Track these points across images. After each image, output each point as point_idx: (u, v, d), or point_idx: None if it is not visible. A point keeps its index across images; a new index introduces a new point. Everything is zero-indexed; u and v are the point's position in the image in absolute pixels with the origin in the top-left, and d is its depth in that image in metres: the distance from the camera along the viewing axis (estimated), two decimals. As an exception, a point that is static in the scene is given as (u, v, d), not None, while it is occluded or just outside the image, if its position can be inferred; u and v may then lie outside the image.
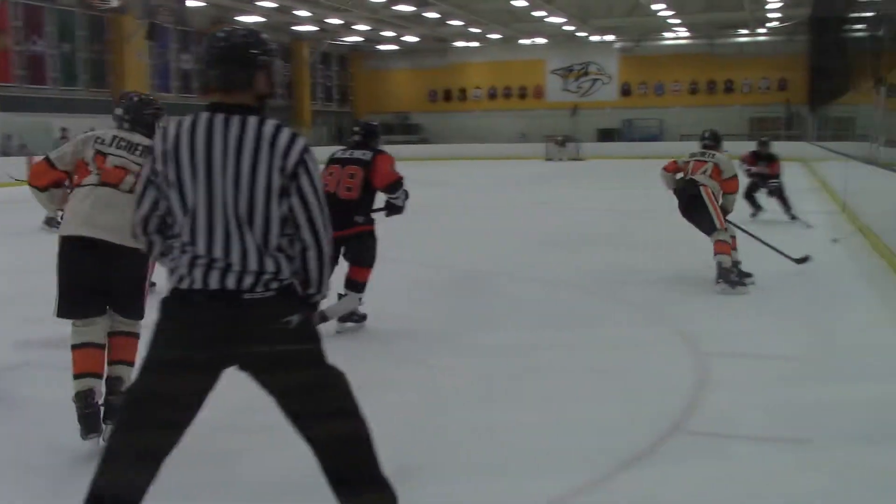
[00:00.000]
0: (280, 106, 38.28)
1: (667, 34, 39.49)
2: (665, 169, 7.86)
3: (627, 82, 41.79)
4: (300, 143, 2.45)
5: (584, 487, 3.30)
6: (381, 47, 43.59)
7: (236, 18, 33.21)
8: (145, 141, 3.83)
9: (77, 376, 3.57)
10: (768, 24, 36.03)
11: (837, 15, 22.01)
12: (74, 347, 3.63)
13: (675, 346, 5.46)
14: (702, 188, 7.35)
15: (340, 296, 5.83)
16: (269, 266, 2.44)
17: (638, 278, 7.95)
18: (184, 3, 28.98)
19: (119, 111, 3.96)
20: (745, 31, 38.14)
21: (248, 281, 2.42)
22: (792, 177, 20.14)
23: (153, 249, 2.60)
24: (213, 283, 2.41)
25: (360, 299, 5.87)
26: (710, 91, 40.52)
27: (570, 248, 10.01)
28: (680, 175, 7.70)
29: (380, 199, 5.92)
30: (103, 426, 3.55)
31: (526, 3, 30.80)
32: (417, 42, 41.35)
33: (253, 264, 2.43)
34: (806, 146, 28.49)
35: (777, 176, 11.56)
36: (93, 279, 3.61)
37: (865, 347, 5.48)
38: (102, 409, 3.60)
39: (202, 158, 2.42)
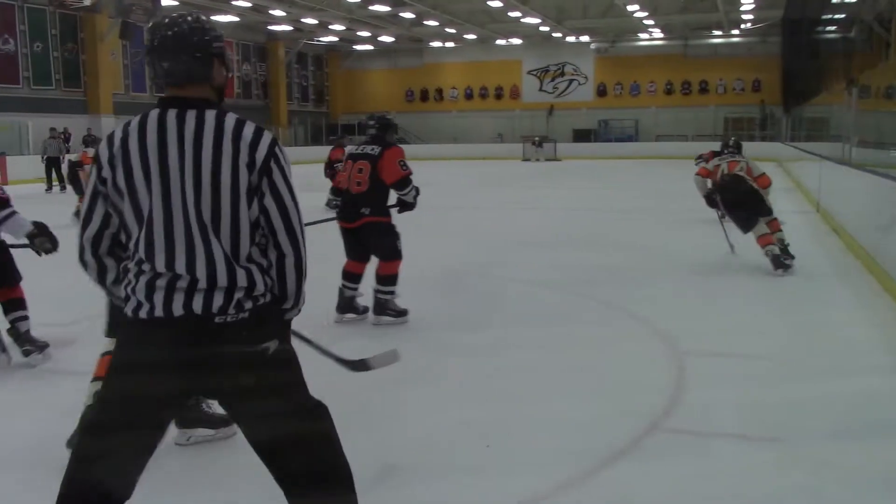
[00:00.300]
0: (256, 106, 38.14)
1: (642, 35, 39.75)
2: (699, 174, 8.50)
3: (603, 83, 42.02)
4: (268, 137, 2.19)
5: (566, 485, 3.29)
6: (358, 47, 43.54)
7: (212, 18, 33.00)
8: None
9: (95, 379, 3.63)
10: (742, 26, 36.37)
11: (809, 16, 22.22)
12: (104, 354, 3.68)
13: (653, 345, 5.48)
14: (750, 181, 8.01)
15: (374, 291, 5.98)
16: (241, 279, 2.14)
17: (615, 277, 7.99)
18: (158, 2, 28.75)
19: None
20: (719, 33, 38.47)
21: (218, 301, 2.11)
22: (766, 177, 20.24)
23: (106, 276, 2.28)
24: (177, 308, 2.10)
25: (393, 292, 6.01)
26: (685, 92, 40.85)
27: (547, 248, 10.03)
28: (710, 180, 8.34)
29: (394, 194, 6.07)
30: None
31: (501, 4, 30.89)
32: (393, 42, 41.35)
33: (222, 278, 2.12)
34: (780, 146, 28.79)
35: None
36: None
37: (841, 346, 5.54)
38: None
39: (155, 160, 2.13)
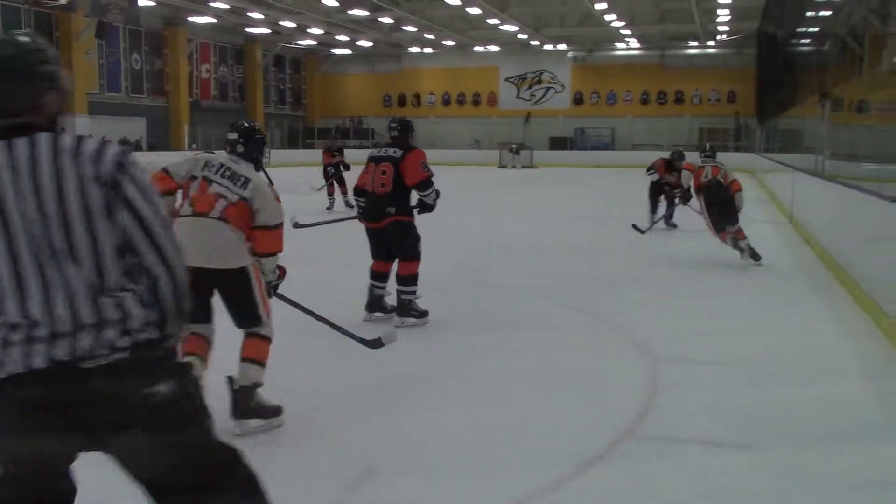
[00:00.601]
0: (232, 108, 37.93)
1: (619, 45, 40.01)
2: (686, 169, 9.85)
3: (580, 91, 42.20)
4: (114, 148, 1.93)
5: (544, 490, 3.33)
6: (336, 51, 43.46)
7: (188, 19, 32.87)
8: (249, 174, 4.06)
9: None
10: (718, 37, 36.72)
11: (784, 29, 22.48)
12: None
13: (630, 351, 5.54)
14: (729, 189, 8.94)
15: (398, 292, 6.17)
16: (111, 311, 1.86)
17: (595, 284, 8.07)
18: (135, 2, 28.59)
19: (233, 136, 4.18)
20: (695, 44, 38.80)
21: (86, 343, 1.83)
22: (740, 187, 20.38)
23: None
24: (38, 360, 1.81)
25: (415, 292, 6.20)
26: (661, 102, 41.12)
27: (524, 254, 10.09)
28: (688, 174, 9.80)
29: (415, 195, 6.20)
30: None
31: (480, 11, 30.97)
32: (372, 47, 41.30)
33: (86, 312, 1.84)
34: (754, 157, 29.08)
35: (680, 187, 11.78)
36: (195, 297, 3.81)
37: (812, 354, 5.64)
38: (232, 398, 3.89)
39: None
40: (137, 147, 30.42)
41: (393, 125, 6.31)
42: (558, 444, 3.82)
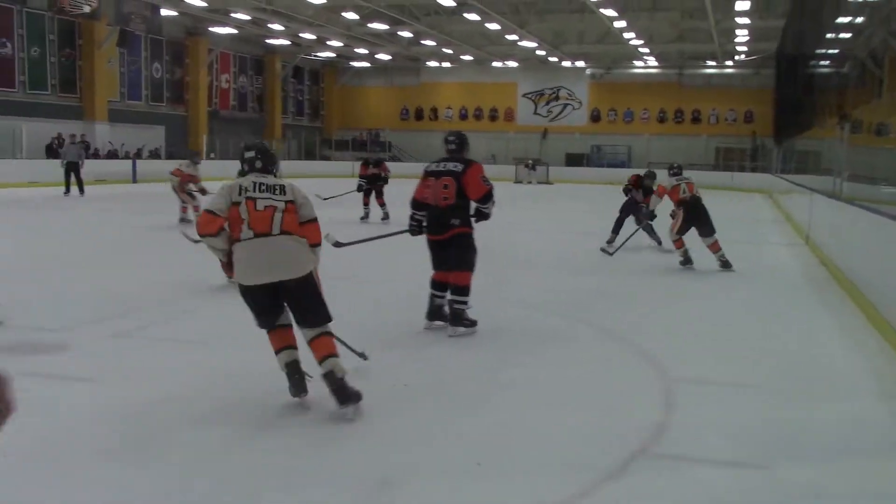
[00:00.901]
0: (251, 118, 38.16)
1: (637, 63, 40.05)
2: (656, 194, 10.48)
3: (597, 108, 42.24)
4: None
5: (557, 503, 3.34)
6: (355, 64, 43.69)
7: (210, 29, 33.14)
8: (280, 181, 4.44)
9: (277, 352, 4.48)
10: (736, 58, 36.70)
11: (803, 51, 22.45)
12: (268, 332, 4.49)
13: (643, 370, 5.52)
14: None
15: (450, 302, 6.32)
16: None
17: (609, 301, 8.07)
18: (157, 11, 28.87)
19: (250, 154, 4.50)
20: (713, 63, 38.81)
21: None
22: (756, 208, 20.46)
23: None
24: None
25: (466, 302, 6.36)
26: (678, 120, 41.10)
27: (539, 269, 10.09)
28: (658, 197, 10.44)
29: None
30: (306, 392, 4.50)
31: (499, 27, 31.09)
32: (391, 60, 41.51)
33: None
34: (771, 178, 28.99)
35: (646, 206, 11.77)
36: (271, 305, 4.43)
37: (823, 371, 5.63)
38: (333, 395, 4.32)
39: None
40: (156, 155, 30.66)
41: (450, 139, 6.41)
42: (571, 458, 3.83)
